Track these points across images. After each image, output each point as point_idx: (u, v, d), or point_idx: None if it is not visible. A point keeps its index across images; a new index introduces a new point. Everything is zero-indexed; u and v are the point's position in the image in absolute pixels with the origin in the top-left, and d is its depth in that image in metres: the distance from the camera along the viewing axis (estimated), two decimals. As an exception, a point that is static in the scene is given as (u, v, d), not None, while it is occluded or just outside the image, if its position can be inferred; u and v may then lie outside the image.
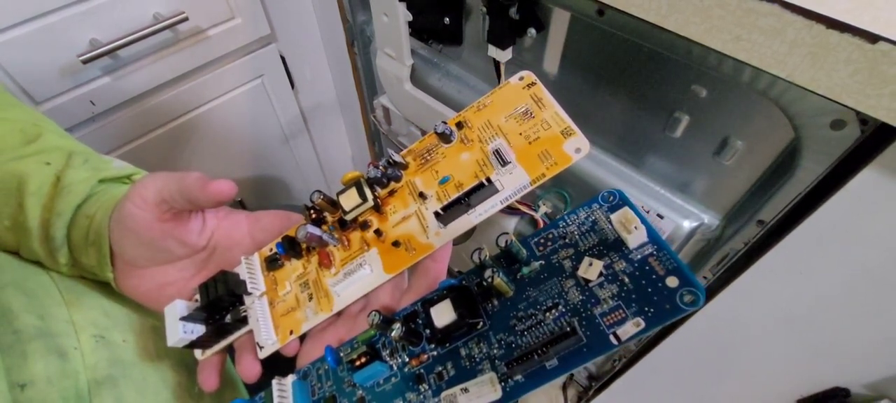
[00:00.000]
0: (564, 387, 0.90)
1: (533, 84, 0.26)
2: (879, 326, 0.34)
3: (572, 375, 0.90)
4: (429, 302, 0.24)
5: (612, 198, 0.24)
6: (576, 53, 0.44)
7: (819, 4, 0.24)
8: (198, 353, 0.29)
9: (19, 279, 0.27)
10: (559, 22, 0.43)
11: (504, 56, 0.46)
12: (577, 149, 0.24)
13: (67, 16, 0.49)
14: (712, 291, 0.43)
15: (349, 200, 0.27)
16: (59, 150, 0.31)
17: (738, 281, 0.39)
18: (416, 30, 0.55)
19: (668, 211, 0.45)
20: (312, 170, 0.91)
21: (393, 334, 0.23)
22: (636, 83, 0.41)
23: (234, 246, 0.31)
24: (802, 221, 0.33)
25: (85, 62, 0.50)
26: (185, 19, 0.55)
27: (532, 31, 0.44)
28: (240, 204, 0.81)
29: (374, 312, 0.24)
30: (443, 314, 0.23)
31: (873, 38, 0.22)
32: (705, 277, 0.47)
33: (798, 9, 0.24)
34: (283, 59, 0.71)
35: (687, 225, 0.44)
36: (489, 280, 0.22)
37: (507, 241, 0.23)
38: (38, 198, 0.28)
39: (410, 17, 0.53)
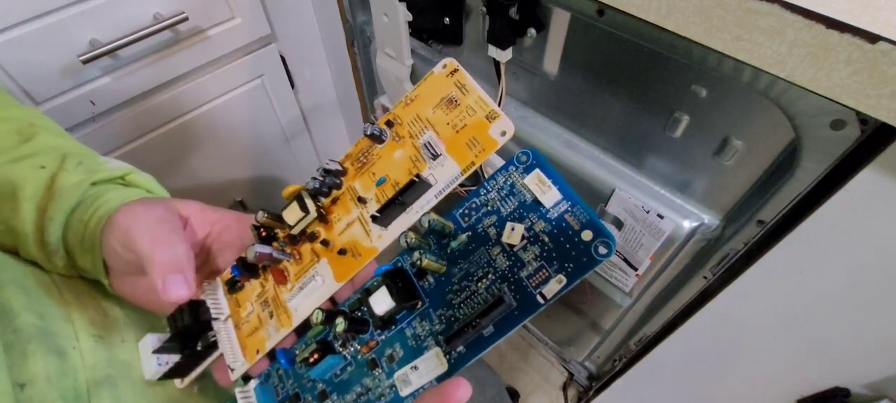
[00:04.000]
0: (564, 387, 0.90)
1: (455, 70, 0.26)
2: (879, 326, 0.34)
3: (572, 375, 0.90)
4: (368, 290, 0.24)
5: (525, 158, 0.24)
6: (576, 53, 0.44)
7: (819, 4, 0.24)
8: (177, 383, 0.29)
9: (19, 277, 0.27)
10: (559, 22, 0.43)
11: (504, 56, 0.46)
12: (502, 132, 0.24)
13: (67, 16, 0.49)
14: (712, 291, 0.43)
15: (292, 214, 0.27)
16: (53, 152, 0.31)
17: (738, 281, 0.39)
18: (416, 30, 0.55)
19: (668, 211, 0.45)
20: (312, 170, 0.91)
21: (337, 329, 0.24)
22: (636, 83, 0.41)
23: (224, 248, 0.31)
24: (802, 221, 0.33)
25: (85, 62, 0.49)
26: (185, 19, 0.55)
27: (532, 31, 0.44)
28: (240, 205, 0.81)
29: (317, 310, 0.25)
30: (380, 301, 0.23)
31: (873, 38, 0.22)
32: (705, 277, 0.47)
33: (798, 9, 0.24)
34: (283, 59, 0.71)
35: (687, 225, 0.44)
36: (418, 262, 0.23)
37: (428, 221, 0.23)
38: (33, 202, 0.28)
39: (410, 17, 0.53)
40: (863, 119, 0.29)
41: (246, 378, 0.29)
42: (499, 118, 0.24)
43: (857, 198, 0.30)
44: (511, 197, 0.24)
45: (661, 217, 0.45)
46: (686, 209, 0.45)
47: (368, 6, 0.58)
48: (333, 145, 0.92)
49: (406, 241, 0.23)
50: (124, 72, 0.56)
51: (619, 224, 0.50)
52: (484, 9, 0.46)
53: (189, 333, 0.28)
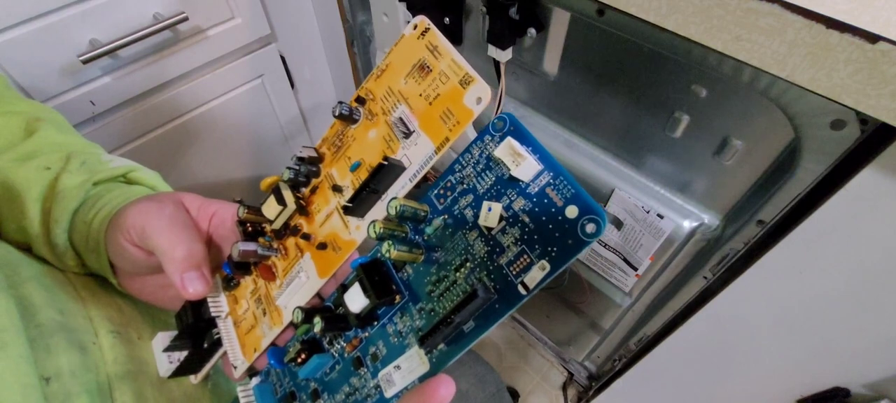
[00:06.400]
0: (564, 387, 0.90)
1: (427, 30, 0.23)
2: (879, 326, 0.34)
3: (572, 375, 0.90)
4: (344, 286, 0.23)
5: (501, 124, 0.21)
6: (576, 53, 0.44)
7: (819, 4, 0.24)
8: (192, 379, 0.29)
9: (38, 274, 0.27)
10: (559, 22, 0.43)
11: (504, 56, 0.46)
12: (477, 99, 0.21)
13: (67, 16, 0.49)
14: (712, 291, 0.43)
15: (270, 208, 0.26)
16: (58, 151, 0.31)
17: (738, 281, 0.39)
18: (416, 30, 0.55)
19: (668, 211, 0.45)
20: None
21: (315, 329, 0.23)
22: (636, 83, 0.41)
23: (222, 241, 0.31)
24: (802, 221, 0.33)
25: (85, 62, 0.49)
26: (185, 19, 0.55)
27: (532, 31, 0.45)
28: (240, 204, 0.81)
29: (296, 309, 0.24)
30: (355, 299, 0.22)
31: (873, 38, 0.22)
32: (705, 277, 0.47)
33: (798, 9, 0.24)
34: (283, 59, 0.71)
35: (687, 225, 0.44)
36: (387, 255, 0.21)
37: (396, 208, 0.21)
38: (39, 204, 0.29)
39: (410, 17, 0.53)
40: (863, 119, 0.29)
41: (253, 372, 0.29)
42: (474, 82, 0.21)
43: (857, 198, 0.30)
44: (487, 171, 0.21)
45: (661, 217, 0.45)
46: (686, 209, 0.45)
47: (368, 6, 0.58)
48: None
49: (374, 230, 0.21)
50: (124, 72, 0.56)
51: (618, 224, 0.50)
52: (484, 9, 0.46)
53: (195, 330, 0.29)
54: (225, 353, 0.29)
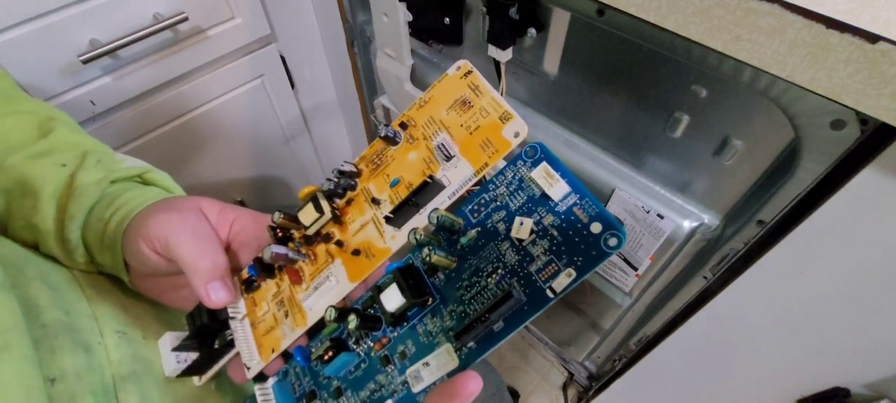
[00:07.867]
0: (564, 387, 0.90)
1: (469, 72, 0.26)
2: (879, 326, 0.34)
3: (572, 375, 0.90)
4: (379, 288, 0.25)
5: (533, 152, 0.24)
6: (576, 53, 0.44)
7: (819, 4, 0.24)
8: (195, 380, 0.30)
9: (43, 273, 0.27)
10: (559, 22, 0.43)
11: (504, 56, 0.46)
12: (515, 133, 0.24)
13: (67, 16, 0.49)
14: (712, 291, 0.43)
15: (307, 215, 0.27)
16: (73, 149, 0.31)
17: (738, 281, 0.39)
18: (416, 30, 0.55)
19: (668, 211, 0.45)
20: (313, 170, 0.91)
21: (350, 326, 0.24)
22: (636, 83, 0.41)
23: (241, 247, 0.31)
24: (802, 221, 0.33)
25: (85, 62, 0.49)
26: (185, 19, 0.55)
27: (532, 31, 0.45)
28: (240, 204, 0.81)
29: (330, 308, 0.25)
30: (391, 298, 0.24)
31: (873, 38, 0.22)
32: (705, 277, 0.47)
33: (798, 9, 0.24)
34: (283, 59, 0.71)
35: (687, 225, 0.44)
36: (427, 259, 0.23)
37: (437, 218, 0.23)
38: (54, 200, 0.29)
39: (410, 17, 0.53)
40: (863, 119, 0.29)
41: (261, 376, 0.29)
42: (512, 119, 0.24)
43: (857, 198, 0.30)
44: (519, 191, 0.24)
45: (661, 217, 0.45)
46: (686, 209, 0.45)
47: (368, 6, 0.58)
48: (333, 145, 0.92)
49: (415, 237, 0.23)
50: (124, 72, 0.56)
51: (619, 224, 0.50)
52: (484, 9, 0.47)
53: (207, 331, 0.29)
54: (235, 356, 0.29)
